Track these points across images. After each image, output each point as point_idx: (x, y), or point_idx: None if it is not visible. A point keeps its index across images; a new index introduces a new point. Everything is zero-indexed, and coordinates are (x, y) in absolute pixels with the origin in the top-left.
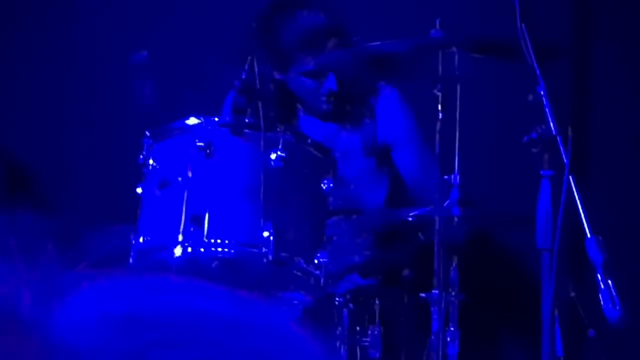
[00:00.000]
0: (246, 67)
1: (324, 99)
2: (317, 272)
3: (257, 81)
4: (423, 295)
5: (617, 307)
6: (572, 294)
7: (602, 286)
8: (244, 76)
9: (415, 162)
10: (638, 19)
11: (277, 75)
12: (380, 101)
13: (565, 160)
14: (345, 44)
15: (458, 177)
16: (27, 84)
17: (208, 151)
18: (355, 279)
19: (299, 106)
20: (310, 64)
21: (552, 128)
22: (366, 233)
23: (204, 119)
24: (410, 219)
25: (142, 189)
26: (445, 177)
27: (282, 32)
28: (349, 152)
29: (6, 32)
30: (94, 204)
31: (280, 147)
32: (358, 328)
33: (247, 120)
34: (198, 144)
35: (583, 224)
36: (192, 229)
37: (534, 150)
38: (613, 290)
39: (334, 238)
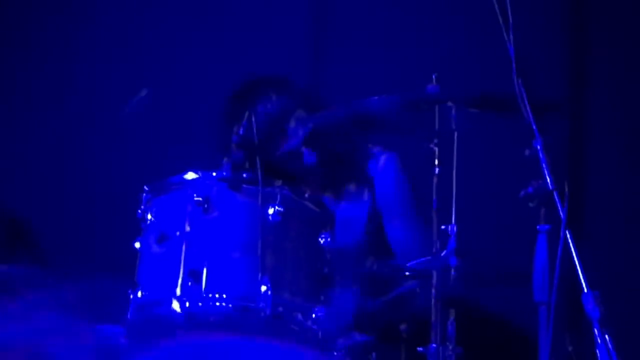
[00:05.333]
0: (244, 122)
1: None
2: (315, 326)
3: (255, 136)
4: (420, 349)
5: None
6: (570, 348)
7: (599, 341)
8: (241, 132)
9: (404, 235)
10: (633, 74)
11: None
12: (378, 168)
13: (562, 214)
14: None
15: (455, 228)
16: (27, 138)
17: (206, 206)
18: (353, 334)
19: None
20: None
21: (549, 183)
22: (361, 288)
23: (201, 173)
24: (407, 273)
25: (140, 243)
26: (443, 226)
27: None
28: (349, 222)
29: (6, 79)
30: (92, 259)
31: (278, 201)
32: None
33: (244, 175)
34: (196, 198)
35: (580, 279)
36: (190, 283)
37: (530, 204)
38: (610, 345)
39: (331, 291)
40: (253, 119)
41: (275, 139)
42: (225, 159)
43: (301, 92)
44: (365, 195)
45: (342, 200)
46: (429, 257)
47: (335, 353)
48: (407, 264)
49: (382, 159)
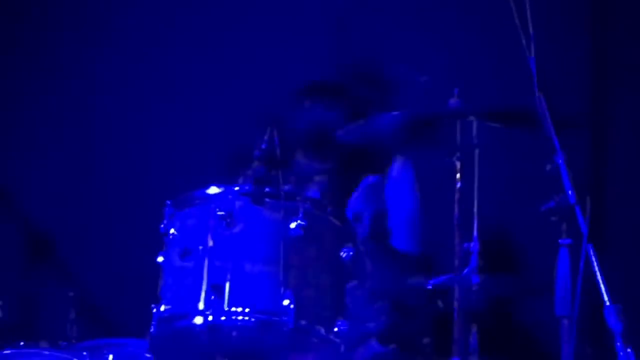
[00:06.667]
0: (266, 137)
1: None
2: (337, 339)
3: (277, 150)
4: None
5: None
6: None
7: (622, 354)
8: (264, 146)
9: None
10: None
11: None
12: (393, 171)
13: (583, 229)
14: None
15: (477, 245)
16: (49, 153)
17: (229, 220)
18: (374, 346)
19: None
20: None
21: (570, 197)
22: (381, 300)
23: (224, 187)
24: (429, 287)
25: (164, 257)
26: (465, 244)
27: (299, 121)
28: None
29: (30, 94)
30: (116, 274)
31: (300, 215)
32: None
33: (267, 190)
34: (219, 213)
35: (602, 292)
36: (212, 297)
37: (552, 219)
38: (633, 358)
39: (352, 305)
40: (275, 133)
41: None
42: (244, 173)
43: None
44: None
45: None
46: (451, 275)
47: None
48: (430, 282)
49: (399, 162)
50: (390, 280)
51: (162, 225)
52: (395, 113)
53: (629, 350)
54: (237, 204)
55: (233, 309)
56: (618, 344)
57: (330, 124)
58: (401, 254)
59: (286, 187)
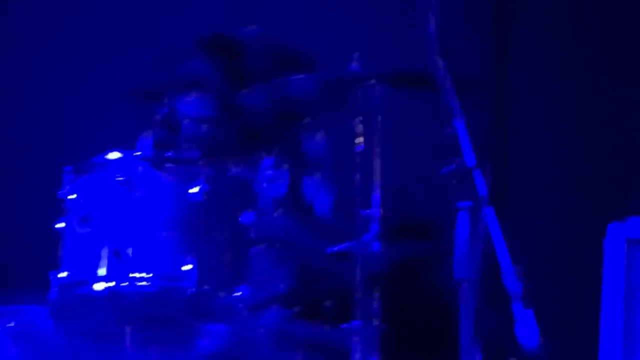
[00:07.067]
0: (167, 101)
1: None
2: (239, 304)
3: (178, 115)
4: (344, 326)
5: (535, 336)
6: (492, 323)
7: (520, 316)
8: (164, 110)
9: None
10: (557, 53)
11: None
12: (312, 144)
13: (482, 191)
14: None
15: (378, 211)
16: None
17: (129, 186)
18: (277, 310)
19: None
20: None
21: (470, 160)
22: (288, 263)
23: (124, 153)
24: (329, 252)
25: (64, 223)
26: (365, 211)
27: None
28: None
29: None
30: (16, 241)
31: (201, 180)
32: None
33: (167, 154)
34: (119, 178)
35: (501, 255)
36: (114, 263)
37: (453, 182)
38: (531, 320)
39: (258, 268)
40: (175, 98)
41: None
42: (143, 137)
43: (227, 64)
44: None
45: (261, 172)
46: (352, 242)
47: (260, 329)
48: (329, 250)
49: (318, 137)
50: (300, 245)
51: (62, 192)
52: (297, 77)
53: (528, 311)
54: (138, 169)
55: (134, 274)
56: (516, 305)
57: (214, 80)
58: (316, 219)
59: (187, 152)
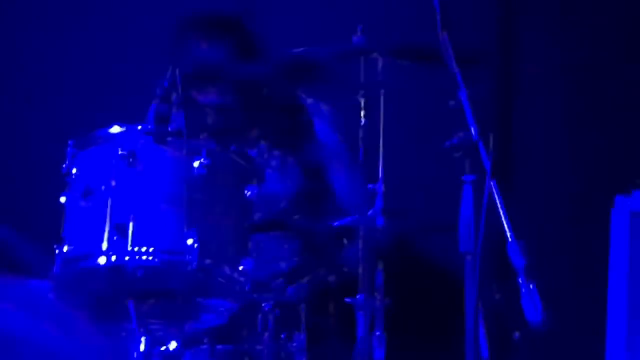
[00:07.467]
0: (168, 75)
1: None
2: (242, 278)
3: (179, 88)
4: (348, 300)
5: (539, 310)
6: (497, 297)
7: (524, 290)
8: (166, 84)
9: (345, 180)
10: (560, 25)
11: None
12: (320, 120)
13: (486, 164)
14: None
15: (382, 186)
16: None
17: (131, 159)
18: (281, 286)
19: None
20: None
21: (473, 133)
22: (292, 240)
23: (127, 127)
24: (334, 225)
25: (66, 198)
26: (370, 185)
27: (184, 58)
28: (284, 171)
29: None
30: (18, 214)
31: (203, 154)
32: (284, 334)
33: (170, 128)
34: (121, 152)
35: (505, 228)
36: (116, 237)
37: (456, 155)
38: (535, 294)
39: (261, 245)
40: (177, 71)
41: (206, 87)
42: (150, 111)
43: (233, 37)
44: (300, 146)
45: (276, 149)
46: (356, 216)
47: (263, 304)
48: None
49: (324, 111)
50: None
51: (64, 165)
52: (300, 49)
53: (531, 285)
54: (140, 143)
55: (136, 248)
56: (520, 279)
57: (218, 60)
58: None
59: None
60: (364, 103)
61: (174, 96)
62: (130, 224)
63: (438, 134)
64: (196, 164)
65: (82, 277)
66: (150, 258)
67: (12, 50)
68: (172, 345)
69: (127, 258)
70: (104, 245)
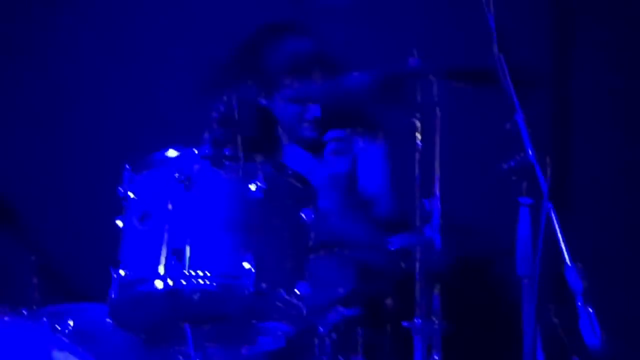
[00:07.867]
0: (224, 98)
1: (308, 125)
2: (299, 302)
3: (236, 113)
4: (405, 324)
5: (598, 334)
6: (555, 321)
7: (583, 313)
8: (222, 108)
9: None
10: (617, 47)
11: (262, 101)
12: (368, 152)
13: (543, 187)
14: (329, 72)
15: (439, 204)
16: (7, 117)
17: (187, 183)
18: (339, 310)
19: (282, 135)
20: (296, 89)
21: (530, 156)
22: (349, 265)
23: (183, 150)
24: (391, 248)
25: (123, 221)
26: (425, 202)
27: (269, 56)
28: (328, 184)
29: None
30: (75, 237)
31: (259, 178)
32: (341, 358)
33: (226, 152)
34: (177, 176)
35: (563, 252)
36: (173, 261)
37: (513, 178)
38: (593, 318)
39: (318, 269)
40: (233, 97)
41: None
42: (205, 135)
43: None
44: (345, 161)
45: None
46: (412, 234)
47: (320, 328)
48: (390, 241)
49: (372, 143)
50: (359, 244)
51: (120, 189)
52: (355, 73)
53: (589, 309)
54: (196, 167)
55: (193, 272)
56: (579, 303)
57: (308, 48)
58: (377, 220)
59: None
60: (420, 125)
61: (231, 119)
62: (187, 248)
63: (494, 156)
64: (252, 187)
65: (139, 301)
66: (207, 282)
67: (70, 74)
68: None
69: (184, 282)
70: (161, 269)
